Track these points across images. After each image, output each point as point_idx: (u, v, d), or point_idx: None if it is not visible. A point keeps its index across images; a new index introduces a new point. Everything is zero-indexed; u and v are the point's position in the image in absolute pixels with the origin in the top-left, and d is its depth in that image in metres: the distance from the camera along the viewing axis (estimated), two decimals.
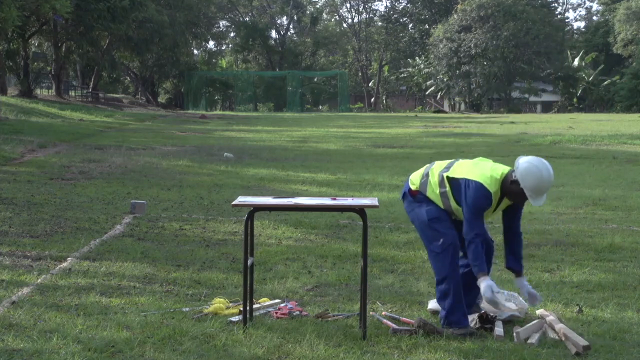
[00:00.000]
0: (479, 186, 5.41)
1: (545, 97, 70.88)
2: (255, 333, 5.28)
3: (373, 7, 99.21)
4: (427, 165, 5.87)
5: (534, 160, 5.38)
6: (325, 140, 26.28)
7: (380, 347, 5.10)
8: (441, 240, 5.53)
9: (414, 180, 5.80)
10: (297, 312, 5.80)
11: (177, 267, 7.28)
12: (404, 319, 5.68)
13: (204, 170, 16.32)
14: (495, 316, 5.55)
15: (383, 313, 5.83)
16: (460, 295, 5.50)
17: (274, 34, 78.49)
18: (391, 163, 18.28)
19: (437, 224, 5.58)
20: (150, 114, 44.43)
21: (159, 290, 6.42)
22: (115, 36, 47.31)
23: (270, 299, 6.13)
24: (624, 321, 5.71)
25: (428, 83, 71.66)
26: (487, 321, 5.49)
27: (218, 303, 5.85)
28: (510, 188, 5.41)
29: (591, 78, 66.58)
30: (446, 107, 71.38)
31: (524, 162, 5.38)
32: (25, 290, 6.28)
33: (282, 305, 5.94)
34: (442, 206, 5.62)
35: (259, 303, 5.99)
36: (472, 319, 5.56)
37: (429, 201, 5.67)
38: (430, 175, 5.69)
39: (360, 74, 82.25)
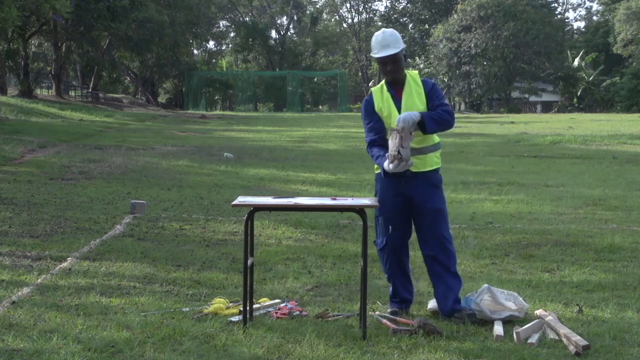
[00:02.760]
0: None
1: (545, 97, 70.89)
2: (255, 333, 5.28)
3: (373, 7, 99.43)
4: None
5: None
6: (325, 140, 26.28)
7: (380, 347, 5.09)
8: (379, 239, 5.87)
9: None
10: (297, 312, 5.80)
11: (177, 267, 7.28)
12: (403, 319, 5.68)
13: (204, 170, 16.32)
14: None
15: (380, 313, 5.83)
16: (395, 288, 5.90)
17: (274, 34, 78.61)
18: None
19: (378, 222, 5.88)
20: (150, 114, 44.42)
21: (159, 290, 6.42)
22: (115, 36, 47.33)
23: (270, 299, 6.13)
24: (624, 321, 5.70)
25: None
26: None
27: (218, 303, 5.84)
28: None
29: (591, 78, 66.56)
30: None
31: None
32: (25, 290, 6.27)
33: (282, 305, 5.94)
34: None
35: (259, 303, 5.99)
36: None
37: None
38: None
39: (360, 74, 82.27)
